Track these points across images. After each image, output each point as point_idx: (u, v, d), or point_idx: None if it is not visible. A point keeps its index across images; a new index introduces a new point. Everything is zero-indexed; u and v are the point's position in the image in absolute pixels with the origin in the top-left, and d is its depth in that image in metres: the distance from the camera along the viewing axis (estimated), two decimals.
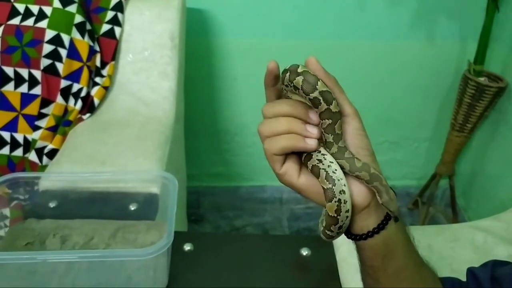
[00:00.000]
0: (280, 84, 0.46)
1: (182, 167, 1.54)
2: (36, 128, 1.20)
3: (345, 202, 0.44)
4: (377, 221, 0.47)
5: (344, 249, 0.89)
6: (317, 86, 0.42)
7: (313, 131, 0.44)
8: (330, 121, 0.43)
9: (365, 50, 1.68)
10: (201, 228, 1.89)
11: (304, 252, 0.86)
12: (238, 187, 1.99)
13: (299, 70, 0.43)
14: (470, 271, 0.58)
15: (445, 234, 1.01)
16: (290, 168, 0.45)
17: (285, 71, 0.44)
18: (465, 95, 1.59)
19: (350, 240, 0.50)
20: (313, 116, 0.44)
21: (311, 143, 0.44)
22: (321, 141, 0.46)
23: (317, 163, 0.44)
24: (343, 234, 0.49)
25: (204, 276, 0.82)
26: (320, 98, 0.42)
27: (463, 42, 1.66)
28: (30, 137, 1.20)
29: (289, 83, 0.43)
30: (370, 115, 1.82)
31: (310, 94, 0.42)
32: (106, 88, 1.25)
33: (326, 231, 0.46)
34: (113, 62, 1.26)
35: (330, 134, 0.44)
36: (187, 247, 0.87)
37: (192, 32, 1.52)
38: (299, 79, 0.42)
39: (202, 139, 1.85)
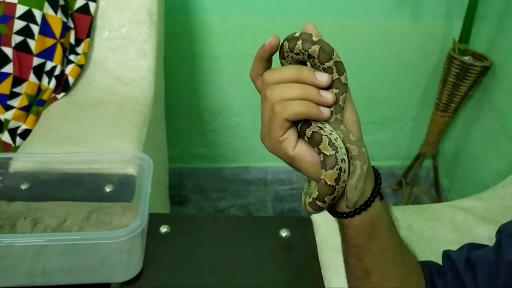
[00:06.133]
0: (286, 53, 0.44)
1: (163, 148, 1.51)
2: (8, 108, 1.16)
3: (344, 171, 0.43)
4: (364, 198, 0.46)
5: (324, 230, 0.88)
6: (333, 56, 0.42)
7: (328, 96, 0.42)
8: (337, 91, 0.43)
9: (350, 28, 1.65)
10: (184, 210, 1.87)
11: (284, 233, 0.85)
12: (221, 168, 1.97)
13: (314, 39, 0.42)
14: (446, 254, 0.57)
15: (426, 214, 1.00)
16: (290, 136, 0.44)
17: (296, 39, 0.43)
18: (449, 75, 1.58)
19: (330, 221, 0.49)
20: (321, 77, 0.42)
21: (325, 111, 0.42)
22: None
23: (318, 129, 0.43)
24: (328, 214, 0.48)
25: (181, 258, 0.81)
26: (334, 67, 0.42)
27: (448, 21, 1.64)
28: (2, 117, 1.15)
29: (303, 51, 0.43)
30: (354, 96, 1.76)
31: (325, 64, 0.42)
32: (81, 66, 1.21)
33: (317, 202, 0.44)
34: (88, 39, 1.21)
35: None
36: (164, 229, 0.85)
37: (172, 9, 1.48)
38: (316, 48, 0.42)
39: (184, 119, 1.82)
